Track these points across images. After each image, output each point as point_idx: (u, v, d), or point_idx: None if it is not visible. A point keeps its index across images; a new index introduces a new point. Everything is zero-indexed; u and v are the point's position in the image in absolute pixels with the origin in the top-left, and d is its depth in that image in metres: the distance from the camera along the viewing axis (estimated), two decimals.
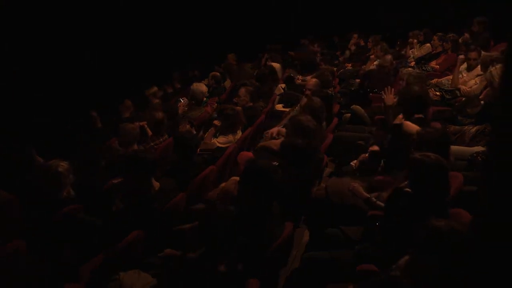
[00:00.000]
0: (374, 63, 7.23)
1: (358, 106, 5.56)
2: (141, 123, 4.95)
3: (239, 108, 5.04)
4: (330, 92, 5.40)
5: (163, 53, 9.89)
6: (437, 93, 5.35)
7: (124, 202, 3.39)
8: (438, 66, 6.79)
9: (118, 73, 8.91)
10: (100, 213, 3.36)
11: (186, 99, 6.34)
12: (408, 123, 3.70)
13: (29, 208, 3.46)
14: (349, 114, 5.66)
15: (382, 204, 3.02)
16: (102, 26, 9.63)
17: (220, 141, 4.68)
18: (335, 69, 7.54)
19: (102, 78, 8.76)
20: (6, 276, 2.77)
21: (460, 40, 7.07)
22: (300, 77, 7.20)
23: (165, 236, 3.21)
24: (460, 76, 5.55)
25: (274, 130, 4.62)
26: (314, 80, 5.24)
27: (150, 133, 4.99)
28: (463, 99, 5.09)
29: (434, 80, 5.97)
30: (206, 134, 4.85)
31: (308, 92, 4.99)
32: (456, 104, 5.13)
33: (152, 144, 4.77)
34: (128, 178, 3.40)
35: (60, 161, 3.61)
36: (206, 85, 6.73)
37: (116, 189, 3.69)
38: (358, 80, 6.81)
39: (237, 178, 3.62)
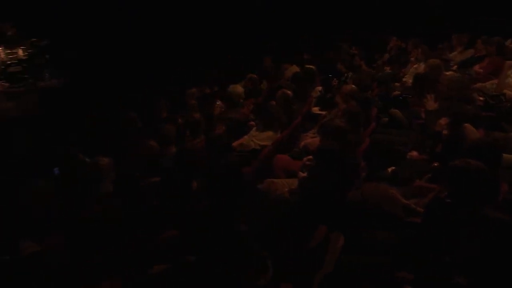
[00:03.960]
0: (414, 66, 7.07)
1: (396, 110, 5.46)
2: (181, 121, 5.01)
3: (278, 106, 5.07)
4: (368, 95, 5.33)
5: (202, 54, 10.02)
6: (481, 98, 5.17)
7: (161, 200, 3.46)
8: (481, 70, 6.57)
9: (158, 73, 9.10)
10: (137, 210, 3.43)
11: (222, 101, 6.39)
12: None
13: (68, 202, 3.58)
14: (387, 118, 5.56)
15: (421, 211, 2.96)
16: (144, 25, 9.92)
17: (258, 138, 4.69)
18: (373, 72, 7.43)
19: (142, 78, 8.97)
20: (44, 270, 2.86)
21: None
22: (336, 80, 7.14)
23: (200, 237, 3.24)
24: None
25: (309, 141, 4.59)
26: (348, 86, 5.19)
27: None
28: (509, 104, 4.91)
29: (478, 85, 5.78)
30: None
31: (346, 95, 4.94)
32: (501, 110, 4.95)
33: (189, 145, 4.83)
34: (169, 177, 3.46)
35: (102, 157, 3.72)
36: (242, 87, 6.76)
37: (154, 187, 3.76)
38: (397, 84, 6.68)
39: (274, 181, 3.65)
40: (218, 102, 6.44)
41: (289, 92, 5.57)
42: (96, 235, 3.26)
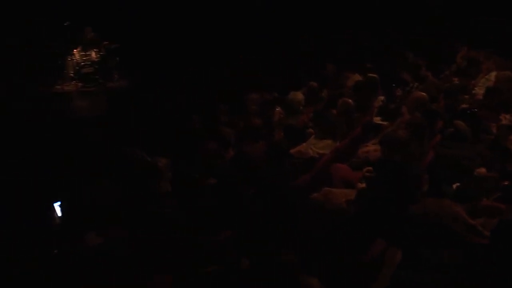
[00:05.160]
0: (485, 77, 6.73)
1: (461, 122, 5.21)
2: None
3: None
4: (434, 107, 5.14)
5: (264, 60, 10.12)
6: None
7: (217, 202, 3.51)
8: None
9: (220, 77, 9.29)
10: (193, 210, 3.50)
11: (281, 108, 6.40)
12: None
13: (130, 200, 3.72)
14: (452, 130, 5.31)
15: (487, 233, 2.80)
16: (207, 30, 10.20)
17: (316, 146, 4.65)
18: (440, 83, 7.14)
19: (204, 82, 9.19)
20: (105, 261, 2.99)
21: None
22: (400, 90, 6.94)
23: (255, 239, 3.25)
24: None
25: (371, 148, 4.49)
26: (418, 93, 5.02)
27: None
28: None
29: None
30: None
31: (410, 106, 4.79)
32: None
33: (247, 149, 4.87)
34: (226, 180, 3.51)
35: (160, 158, 3.84)
36: (303, 94, 6.74)
37: (212, 188, 3.83)
38: (466, 96, 6.38)
39: (331, 190, 3.59)
40: (278, 109, 6.46)
41: (350, 100, 5.48)
42: (153, 232, 3.37)
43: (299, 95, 6.26)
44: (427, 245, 3.03)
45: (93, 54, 9.33)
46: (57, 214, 3.86)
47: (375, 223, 2.93)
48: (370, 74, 7.08)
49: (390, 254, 3.52)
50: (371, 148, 4.65)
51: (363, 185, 3.67)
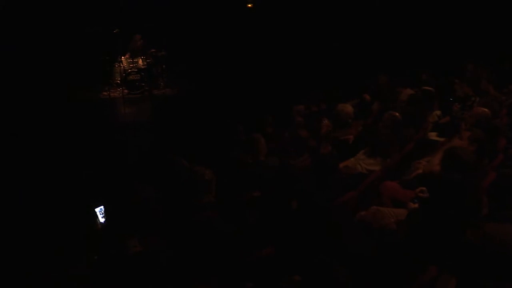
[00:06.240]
0: None
1: None
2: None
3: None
4: (496, 124, 4.80)
5: (312, 72, 10.00)
6: None
7: (260, 215, 3.40)
8: None
9: (266, 88, 9.23)
10: (236, 223, 3.39)
11: (327, 120, 6.21)
12: None
13: (172, 209, 3.67)
14: None
15: None
16: (257, 39, 10.24)
17: (365, 162, 4.46)
18: (503, 98, 6.72)
19: (251, 92, 9.15)
20: (145, 268, 2.94)
21: None
22: (457, 104, 6.59)
23: (297, 257, 3.11)
24: None
25: (423, 169, 4.23)
26: (479, 109, 4.72)
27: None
28: None
29: None
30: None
31: (470, 122, 4.50)
32: None
33: (292, 162, 4.73)
34: (269, 193, 3.41)
35: (206, 169, 3.78)
36: (352, 106, 6.51)
37: (254, 202, 3.73)
38: None
39: (380, 209, 3.39)
40: (325, 121, 6.26)
41: (397, 114, 5.23)
42: (193, 243, 3.29)
43: (349, 107, 6.04)
44: (488, 275, 2.78)
45: (140, 62, 9.54)
46: (99, 219, 3.87)
47: (426, 247, 2.72)
48: (426, 87, 6.77)
49: (443, 283, 3.26)
50: (425, 166, 4.39)
51: (415, 205, 3.45)
